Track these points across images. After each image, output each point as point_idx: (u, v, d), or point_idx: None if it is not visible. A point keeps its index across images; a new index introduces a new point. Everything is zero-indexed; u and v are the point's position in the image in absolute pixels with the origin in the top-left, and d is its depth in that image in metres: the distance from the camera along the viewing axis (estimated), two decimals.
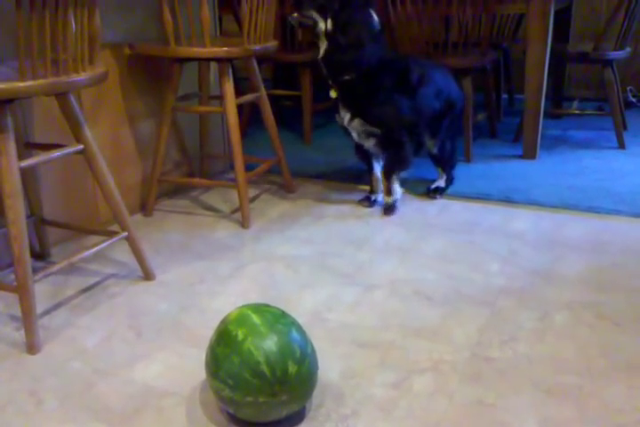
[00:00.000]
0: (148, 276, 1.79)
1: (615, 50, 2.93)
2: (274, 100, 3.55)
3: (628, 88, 4.02)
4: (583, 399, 1.24)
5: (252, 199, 2.45)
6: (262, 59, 3.20)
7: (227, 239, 2.07)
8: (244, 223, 2.17)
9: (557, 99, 3.59)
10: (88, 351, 1.44)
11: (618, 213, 2.20)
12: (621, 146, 3.02)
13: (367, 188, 2.45)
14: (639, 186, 2.46)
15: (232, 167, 2.21)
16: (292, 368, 1.10)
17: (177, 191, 2.55)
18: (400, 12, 2.74)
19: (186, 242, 2.06)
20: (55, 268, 1.53)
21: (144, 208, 2.31)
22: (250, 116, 3.38)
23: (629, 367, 1.34)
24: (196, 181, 2.46)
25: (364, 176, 2.59)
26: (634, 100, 3.97)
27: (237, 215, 2.28)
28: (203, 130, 2.55)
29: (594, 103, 3.87)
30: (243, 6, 1.98)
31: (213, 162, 2.71)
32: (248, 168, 2.21)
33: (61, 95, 1.50)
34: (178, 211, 2.34)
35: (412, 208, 2.31)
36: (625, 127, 3.30)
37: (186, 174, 2.58)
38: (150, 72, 2.29)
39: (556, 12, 2.74)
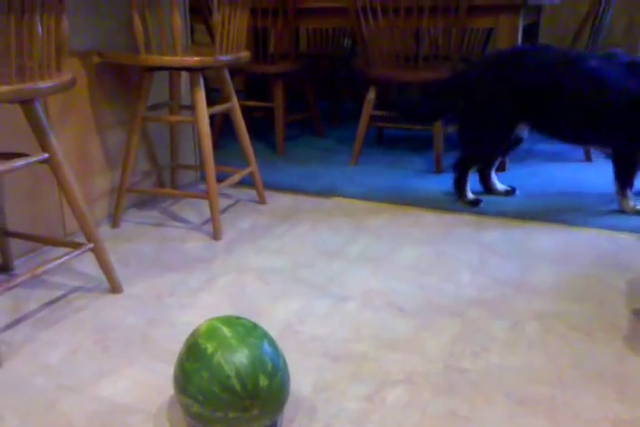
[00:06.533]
0: (114, 289, 1.75)
1: None
2: (246, 111, 3.54)
3: None
4: (555, 410, 1.24)
5: (224, 210, 2.42)
6: (235, 70, 3.19)
7: (197, 251, 2.04)
8: (215, 235, 2.14)
9: None
10: (52, 367, 1.39)
11: (586, 224, 2.23)
12: (588, 159, 3.08)
13: (339, 199, 2.45)
14: (606, 198, 2.50)
15: (203, 178, 2.19)
16: (263, 382, 1.08)
17: (146, 202, 2.51)
18: (372, 26, 2.76)
19: (155, 254, 2.02)
20: (18, 280, 1.48)
21: (112, 219, 2.26)
22: (222, 127, 3.36)
23: (600, 377, 1.35)
24: (166, 191, 2.43)
25: (336, 187, 2.58)
26: None
27: (208, 227, 2.25)
28: (173, 140, 2.52)
29: None
30: (214, 15, 1.97)
31: (184, 172, 2.68)
32: (219, 178, 2.19)
33: (26, 102, 1.46)
34: (147, 222, 2.30)
35: (385, 219, 2.31)
36: None
37: (155, 185, 2.54)
38: (120, 80, 2.26)
39: (525, 27, 2.79)
